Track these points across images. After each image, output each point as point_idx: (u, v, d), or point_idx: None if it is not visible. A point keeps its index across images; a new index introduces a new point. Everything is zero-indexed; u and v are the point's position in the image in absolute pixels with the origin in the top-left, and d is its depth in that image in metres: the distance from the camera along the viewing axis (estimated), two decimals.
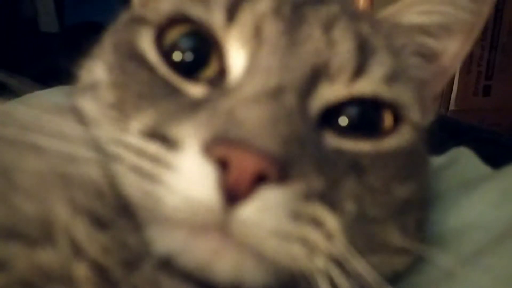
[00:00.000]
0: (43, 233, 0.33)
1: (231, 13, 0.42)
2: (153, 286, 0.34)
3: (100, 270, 0.33)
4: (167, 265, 0.35)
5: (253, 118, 0.35)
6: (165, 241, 0.35)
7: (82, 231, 0.34)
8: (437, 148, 0.62)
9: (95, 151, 0.38)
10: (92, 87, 0.44)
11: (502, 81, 1.89)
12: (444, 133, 0.85)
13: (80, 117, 0.43)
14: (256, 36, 0.41)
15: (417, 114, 0.45)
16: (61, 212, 0.34)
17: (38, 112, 0.40)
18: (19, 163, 0.36)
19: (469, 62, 1.84)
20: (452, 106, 1.85)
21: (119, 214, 0.37)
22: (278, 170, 0.33)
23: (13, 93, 0.44)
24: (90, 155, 0.38)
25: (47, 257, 0.32)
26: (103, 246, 0.34)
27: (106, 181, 0.37)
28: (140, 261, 0.35)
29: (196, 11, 0.43)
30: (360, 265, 0.36)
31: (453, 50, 0.53)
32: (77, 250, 0.33)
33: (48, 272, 0.32)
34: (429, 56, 0.53)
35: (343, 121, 0.42)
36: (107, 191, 0.37)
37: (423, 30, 0.52)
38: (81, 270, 0.32)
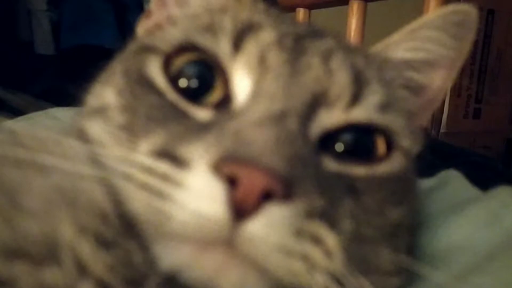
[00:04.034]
0: (48, 253, 0.34)
1: (237, 43, 0.45)
2: None
3: None
4: (171, 282, 0.36)
5: (259, 139, 0.37)
6: (172, 256, 0.37)
7: (86, 250, 0.35)
8: (428, 171, 0.64)
9: (100, 170, 0.39)
10: (101, 110, 0.45)
11: (491, 104, 1.92)
12: (435, 156, 0.86)
13: (85, 139, 0.44)
14: (261, 65, 0.44)
15: (408, 142, 0.47)
16: (66, 232, 0.35)
17: (43, 131, 0.41)
18: (24, 184, 0.37)
19: (459, 85, 1.87)
20: (443, 129, 1.87)
21: (123, 234, 0.38)
22: (283, 188, 0.35)
23: (15, 111, 0.45)
24: (95, 174, 0.39)
25: (52, 276, 0.33)
26: (108, 264, 0.35)
27: (111, 200, 0.38)
28: (144, 279, 0.36)
29: (204, 40, 0.45)
30: (357, 282, 0.38)
31: (437, 83, 0.57)
32: (82, 269, 0.34)
33: None
34: (415, 90, 0.56)
35: (339, 147, 0.44)
36: (111, 212, 0.38)
37: (410, 65, 0.55)
38: None
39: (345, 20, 1.33)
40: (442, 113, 1.87)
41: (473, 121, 1.92)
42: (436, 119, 1.85)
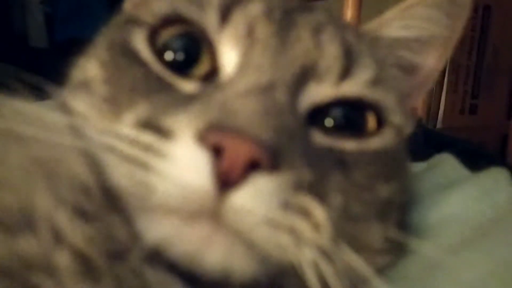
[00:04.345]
0: (24, 222, 0.33)
1: (225, 15, 0.44)
2: (137, 278, 0.34)
3: (82, 259, 0.33)
4: (154, 257, 0.35)
5: (246, 110, 0.36)
6: (156, 229, 0.36)
7: (64, 220, 0.33)
8: (422, 159, 0.63)
9: (82, 142, 0.38)
10: (85, 84, 0.45)
11: (488, 100, 1.92)
12: (429, 145, 0.86)
13: (68, 112, 0.43)
14: (248, 37, 0.43)
15: (399, 119, 0.47)
16: (43, 202, 0.34)
17: (24, 103, 0.40)
18: (2, 154, 0.36)
19: (456, 81, 1.87)
20: (439, 124, 1.87)
21: (105, 208, 0.36)
22: (269, 158, 0.34)
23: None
24: (77, 145, 0.38)
25: (27, 245, 0.32)
26: (87, 236, 0.34)
27: (93, 173, 0.37)
28: (127, 252, 0.34)
29: (190, 13, 0.45)
30: (347, 256, 0.37)
31: (430, 63, 0.56)
32: (58, 238, 0.33)
33: (29, 260, 0.31)
34: (408, 69, 0.55)
35: (328, 122, 0.43)
36: (92, 185, 0.37)
37: (402, 44, 0.55)
38: (62, 259, 0.32)
39: (341, 12, 1.33)
40: (438, 108, 1.87)
41: (470, 117, 1.92)
42: (432, 114, 1.85)
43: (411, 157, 0.52)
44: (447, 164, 0.59)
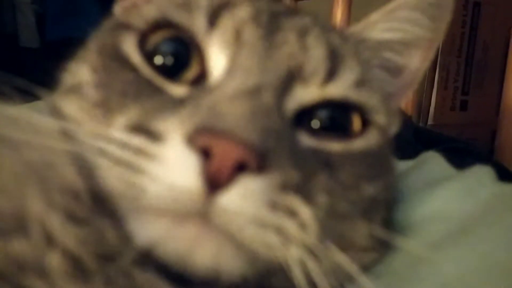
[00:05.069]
0: (16, 225, 0.34)
1: (212, 19, 0.45)
2: (127, 279, 0.35)
3: (74, 261, 0.33)
4: (144, 259, 0.36)
5: (234, 112, 0.37)
6: (147, 231, 0.37)
7: (56, 222, 0.34)
8: (412, 156, 0.64)
9: (73, 146, 0.39)
10: (76, 88, 0.45)
11: (478, 96, 1.93)
12: (418, 143, 0.87)
13: (59, 117, 0.44)
14: (236, 40, 0.44)
15: (383, 119, 0.48)
16: (35, 205, 0.35)
17: (15, 109, 0.41)
18: None
19: (446, 78, 1.88)
20: (430, 121, 1.88)
21: (96, 212, 0.37)
22: (257, 160, 0.35)
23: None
24: (68, 149, 0.39)
25: (20, 247, 0.33)
26: (78, 238, 0.35)
27: (84, 176, 0.38)
28: (117, 255, 0.35)
29: (179, 17, 0.45)
30: (333, 254, 0.38)
31: (414, 64, 0.57)
32: (50, 241, 0.34)
33: (22, 262, 0.32)
34: (392, 70, 0.57)
35: (315, 124, 0.44)
36: (82, 189, 0.38)
37: (387, 46, 0.56)
38: (53, 260, 0.33)
39: (331, 12, 1.34)
40: (429, 105, 1.88)
41: (460, 113, 1.93)
42: (423, 111, 1.86)
43: (400, 155, 0.53)
44: (433, 162, 0.60)
